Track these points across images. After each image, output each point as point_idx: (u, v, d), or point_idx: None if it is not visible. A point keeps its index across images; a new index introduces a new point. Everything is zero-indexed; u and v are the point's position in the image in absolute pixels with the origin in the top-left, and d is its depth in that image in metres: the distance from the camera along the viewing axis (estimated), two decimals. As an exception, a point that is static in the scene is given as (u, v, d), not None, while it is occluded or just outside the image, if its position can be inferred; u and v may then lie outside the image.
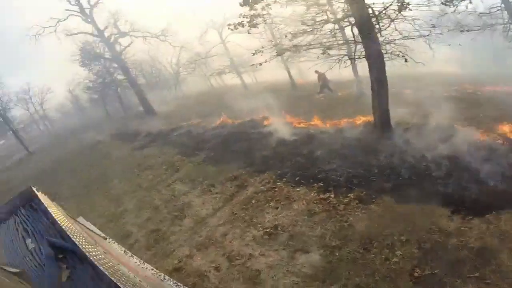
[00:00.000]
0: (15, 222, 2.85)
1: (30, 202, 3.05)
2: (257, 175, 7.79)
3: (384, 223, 4.87)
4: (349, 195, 5.86)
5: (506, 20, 12.05)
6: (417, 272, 3.91)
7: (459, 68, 18.58)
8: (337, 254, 4.50)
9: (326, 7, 8.59)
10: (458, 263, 3.92)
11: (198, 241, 5.81)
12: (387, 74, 7.82)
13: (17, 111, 43.05)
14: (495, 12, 12.17)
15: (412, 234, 4.50)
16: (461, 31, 8.22)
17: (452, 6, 7.53)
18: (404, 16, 7.11)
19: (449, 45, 7.62)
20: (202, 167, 9.35)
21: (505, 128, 7.16)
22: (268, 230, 5.47)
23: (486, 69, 17.33)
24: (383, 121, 8.04)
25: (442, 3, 7.25)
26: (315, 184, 6.59)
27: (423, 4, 7.19)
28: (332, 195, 6.01)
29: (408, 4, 6.87)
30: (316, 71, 15.76)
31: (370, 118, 8.61)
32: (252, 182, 7.51)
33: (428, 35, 7.37)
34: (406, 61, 7.30)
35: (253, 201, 6.61)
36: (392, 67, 7.84)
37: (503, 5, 11.93)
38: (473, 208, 4.84)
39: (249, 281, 4.48)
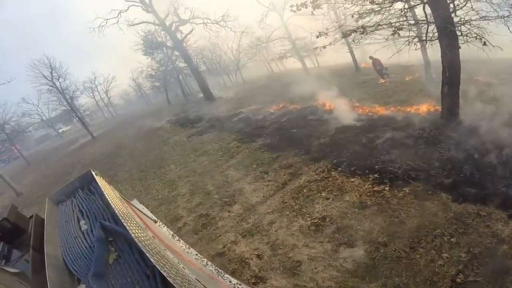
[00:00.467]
0: (72, 204, 3.10)
1: (88, 185, 3.35)
2: (312, 164, 7.79)
3: (436, 222, 4.60)
4: (404, 189, 5.61)
5: None
6: (459, 278, 3.68)
7: None
8: (382, 251, 4.40)
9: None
10: (504, 273, 3.60)
11: (244, 228, 6.06)
12: (460, 58, 7.10)
13: (84, 99, 48.22)
14: None
15: (463, 237, 4.21)
16: None
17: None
18: None
19: None
20: (257, 154, 9.61)
21: None
22: (315, 221, 5.51)
23: None
24: (451, 111, 7.39)
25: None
26: (370, 175, 6.39)
27: None
28: (387, 188, 5.80)
29: None
30: (370, 57, 15.02)
31: (438, 106, 7.94)
32: (306, 171, 7.53)
33: (508, 16, 6.47)
34: (484, 44, 6.52)
35: (305, 190, 6.65)
36: (467, 51, 7.04)
37: None
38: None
39: (288, 272, 4.60)
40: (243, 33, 30.04)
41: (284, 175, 7.67)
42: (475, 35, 6.62)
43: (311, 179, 7.04)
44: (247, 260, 5.12)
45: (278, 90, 19.46)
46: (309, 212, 5.84)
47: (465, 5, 6.70)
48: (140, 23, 25.33)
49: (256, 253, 5.23)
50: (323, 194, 6.31)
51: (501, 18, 6.52)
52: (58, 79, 30.39)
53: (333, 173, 6.99)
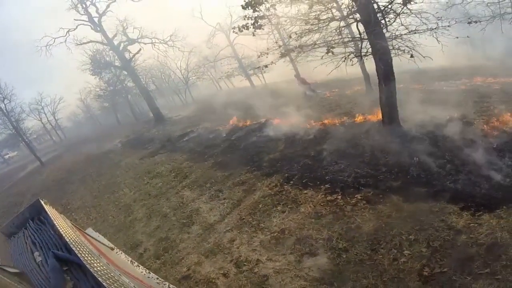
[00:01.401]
0: (24, 235, 2.91)
1: (38, 215, 3.11)
2: (264, 179, 7.77)
3: (392, 223, 4.76)
4: (356, 196, 5.77)
5: None
6: (426, 271, 3.80)
7: (469, 60, 18.14)
8: (344, 256, 4.42)
9: (331, 4, 8.46)
10: (468, 260, 3.80)
11: (206, 248, 5.80)
12: (395, 69, 7.67)
13: (30, 122, 44.22)
14: (503, 1, 11.80)
15: (421, 233, 4.40)
16: (469, 22, 7.98)
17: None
18: (410, 10, 6.93)
19: (457, 37, 7.38)
20: (210, 173, 9.37)
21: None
22: (275, 234, 5.42)
23: (498, 60, 16.79)
24: (391, 118, 7.88)
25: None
26: (322, 186, 6.51)
27: None
28: (339, 197, 5.93)
29: None
30: (295, 75, 15.82)
31: (379, 115, 8.45)
32: (259, 186, 7.47)
33: (435, 28, 7.14)
34: (412, 56, 7.12)
35: (260, 206, 6.57)
36: (401, 63, 7.66)
37: None
38: (483, 204, 4.71)
39: (257, 287, 4.43)
40: (191, 52, 30.06)
41: (238, 192, 7.54)
42: (405, 48, 7.24)
43: (265, 194, 7.01)
44: (214, 280, 4.89)
45: (227, 108, 19.47)
46: (267, 227, 5.74)
47: (394, 21, 7.29)
48: (88, 42, 24.41)
49: (222, 272, 5.01)
50: (278, 207, 6.28)
51: (430, 30, 7.18)
52: (3, 101, 27.49)
53: (286, 186, 7.03)
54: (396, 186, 5.73)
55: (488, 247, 3.91)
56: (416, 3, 7.00)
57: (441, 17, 7.09)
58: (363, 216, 5.13)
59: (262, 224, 5.86)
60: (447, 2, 8.55)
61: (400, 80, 8.41)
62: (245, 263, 5.00)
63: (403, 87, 11.31)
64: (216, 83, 37.97)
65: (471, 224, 4.37)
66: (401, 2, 6.85)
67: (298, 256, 4.75)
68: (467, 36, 8.23)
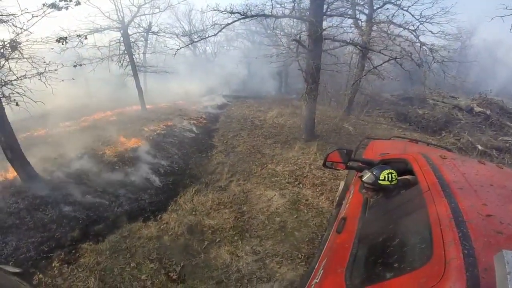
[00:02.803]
0: None
1: None
2: None
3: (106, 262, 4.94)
4: (52, 264, 4.95)
5: (122, 51, 14.14)
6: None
7: (89, 98, 19.56)
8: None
9: None
10: None
11: None
12: (12, 119, 6.91)
13: None
14: (114, 45, 13.94)
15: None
16: (74, 66, 8.90)
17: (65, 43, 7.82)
18: (22, 54, 6.57)
19: (62, 80, 7.96)
20: None
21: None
22: None
23: (113, 96, 19.64)
24: (28, 173, 6.90)
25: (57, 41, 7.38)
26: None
27: (41, 42, 6.96)
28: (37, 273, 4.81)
29: (19, 43, 6.39)
30: None
31: (13, 173, 7.34)
32: None
33: (43, 73, 7.22)
34: (17, 104, 6.78)
35: None
36: (20, 110, 7.03)
37: (121, 39, 13.95)
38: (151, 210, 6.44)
39: None
40: None
41: None
42: (17, 95, 6.79)
43: None
44: None
45: None
46: None
47: (2, 67, 6.58)
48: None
49: None
50: None
51: (39, 75, 7.12)
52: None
53: None
54: (78, 236, 5.62)
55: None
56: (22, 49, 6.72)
57: (49, 62, 7.29)
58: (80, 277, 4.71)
59: None
60: (61, 48, 8.76)
61: (22, 128, 7.77)
62: None
63: (28, 136, 10.27)
64: None
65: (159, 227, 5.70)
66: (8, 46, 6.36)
67: None
68: (73, 78, 8.89)
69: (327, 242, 3.22)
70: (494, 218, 1.78)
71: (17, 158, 6.82)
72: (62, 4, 6.96)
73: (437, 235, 1.69)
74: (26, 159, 6.99)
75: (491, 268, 1.22)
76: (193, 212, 6.28)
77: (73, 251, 5.25)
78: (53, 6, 6.87)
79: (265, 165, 8.80)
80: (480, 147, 11.13)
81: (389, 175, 2.82)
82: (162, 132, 11.51)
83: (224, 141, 11.38)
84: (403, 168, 3.07)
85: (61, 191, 6.70)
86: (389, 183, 2.81)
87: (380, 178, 2.83)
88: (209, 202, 6.65)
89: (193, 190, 7.19)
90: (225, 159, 9.40)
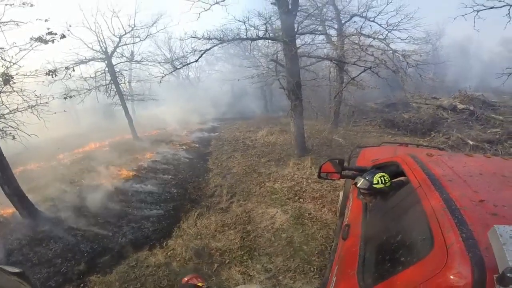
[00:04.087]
0: None
1: None
2: None
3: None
4: None
5: (108, 81, 14.41)
6: None
7: (80, 129, 19.66)
8: None
9: None
10: None
11: None
12: (7, 154, 6.99)
13: None
14: (99, 75, 14.17)
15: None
16: (65, 98, 9.10)
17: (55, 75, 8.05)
18: (13, 88, 6.76)
19: (65, 111, 8.16)
20: None
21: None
22: None
23: (103, 126, 19.75)
24: (28, 208, 6.90)
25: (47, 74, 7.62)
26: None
27: (31, 76, 7.18)
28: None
29: (12, 77, 6.60)
30: None
31: (11, 209, 7.36)
32: None
33: (35, 106, 7.39)
34: (13, 138, 6.92)
35: None
36: (15, 144, 7.15)
37: (107, 69, 14.27)
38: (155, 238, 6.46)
39: None
40: None
41: None
42: (10, 128, 6.93)
43: None
44: None
45: None
46: None
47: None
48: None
49: None
50: None
51: (31, 108, 7.27)
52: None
53: None
54: (83, 269, 5.63)
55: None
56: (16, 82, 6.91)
57: (40, 94, 7.47)
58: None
59: None
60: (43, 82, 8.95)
61: (17, 163, 7.81)
62: None
63: (23, 170, 10.30)
64: None
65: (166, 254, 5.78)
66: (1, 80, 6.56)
67: None
68: (64, 110, 9.05)
69: (336, 251, 3.33)
70: (487, 202, 1.90)
71: (15, 193, 6.80)
72: (48, 37, 7.24)
73: (434, 225, 1.82)
74: (24, 194, 6.97)
75: (492, 247, 1.32)
76: (198, 236, 6.32)
77: (82, 285, 5.24)
78: (40, 39, 7.14)
79: (263, 184, 8.94)
80: (471, 142, 11.44)
81: (382, 178, 2.94)
82: (157, 159, 11.60)
83: (219, 164, 11.52)
84: (395, 171, 3.18)
85: (63, 225, 6.70)
86: (383, 185, 2.92)
87: (374, 182, 2.96)
88: (213, 224, 6.71)
89: (195, 214, 7.24)
90: (222, 181, 9.51)
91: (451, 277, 1.39)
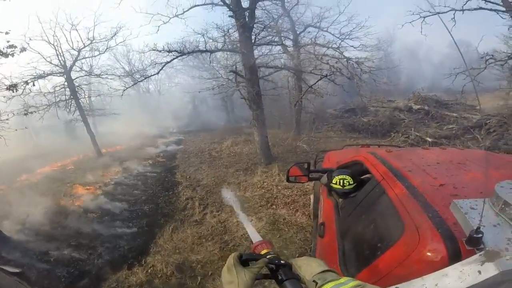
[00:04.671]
0: None
1: None
2: None
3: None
4: None
5: (68, 96, 13.75)
6: None
7: (40, 148, 18.39)
8: None
9: None
10: None
11: None
12: None
13: None
14: (59, 90, 13.47)
15: None
16: (25, 113, 8.69)
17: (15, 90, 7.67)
18: None
19: (26, 128, 7.78)
20: None
21: None
22: None
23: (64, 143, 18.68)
24: None
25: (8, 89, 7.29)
26: None
27: None
28: None
29: None
30: None
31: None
32: None
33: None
34: None
35: None
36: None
37: (66, 83, 13.63)
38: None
39: None
40: None
41: None
42: None
43: None
44: None
45: None
46: None
47: None
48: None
49: None
50: None
51: None
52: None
53: None
54: None
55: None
56: None
57: None
58: None
59: None
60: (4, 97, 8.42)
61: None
62: None
63: None
64: None
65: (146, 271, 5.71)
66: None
67: None
68: (25, 127, 8.71)
69: (316, 250, 3.52)
70: (447, 186, 2.03)
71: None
72: (8, 51, 6.93)
73: (402, 210, 1.94)
74: None
75: (457, 220, 1.45)
76: (177, 250, 6.29)
77: None
78: (0, 53, 6.83)
79: (234, 193, 9.03)
80: (429, 139, 12.32)
81: (342, 180, 3.02)
82: (124, 175, 11.36)
83: (187, 177, 11.44)
84: (360, 170, 3.32)
85: (34, 250, 6.39)
86: (341, 187, 3.02)
87: (333, 182, 3.09)
88: (190, 237, 6.71)
89: (170, 229, 7.19)
90: (193, 194, 9.49)
91: (427, 253, 1.51)
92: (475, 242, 1.25)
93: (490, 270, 1.12)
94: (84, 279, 5.76)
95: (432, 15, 9.99)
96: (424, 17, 10.18)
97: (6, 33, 6.63)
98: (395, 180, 2.37)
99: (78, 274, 5.89)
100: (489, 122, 12.34)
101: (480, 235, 1.23)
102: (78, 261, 6.21)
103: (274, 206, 7.82)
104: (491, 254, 1.18)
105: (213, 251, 6.16)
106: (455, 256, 1.40)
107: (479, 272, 1.14)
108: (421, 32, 10.53)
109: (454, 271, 1.20)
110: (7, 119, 7.02)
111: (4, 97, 7.43)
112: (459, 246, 1.42)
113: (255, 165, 11.45)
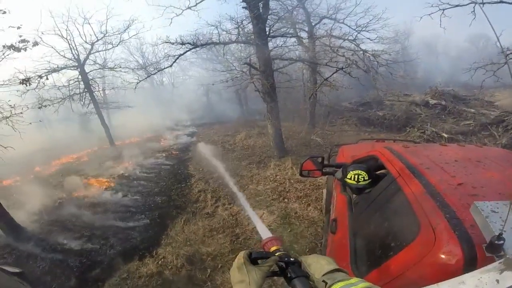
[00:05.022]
0: None
1: None
2: None
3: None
4: None
5: (82, 89, 14.05)
6: None
7: (55, 141, 18.96)
8: None
9: None
10: None
11: None
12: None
13: None
14: (73, 84, 13.79)
15: None
16: (39, 107, 8.86)
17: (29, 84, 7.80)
18: None
19: (40, 121, 7.95)
20: None
21: None
22: None
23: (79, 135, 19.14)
24: (10, 226, 6.75)
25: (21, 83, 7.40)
26: None
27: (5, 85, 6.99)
28: None
29: None
30: None
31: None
32: None
33: (9, 116, 7.19)
34: None
35: None
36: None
37: (80, 77, 13.93)
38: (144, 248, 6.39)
39: None
40: None
41: None
42: None
43: None
44: None
45: None
46: None
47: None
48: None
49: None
50: None
51: (6, 119, 7.04)
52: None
53: None
54: (78, 283, 5.54)
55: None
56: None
57: (14, 105, 7.26)
58: None
59: None
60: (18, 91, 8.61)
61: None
62: None
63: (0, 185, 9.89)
64: None
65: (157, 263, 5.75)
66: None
67: None
68: (40, 120, 8.85)
69: (327, 246, 3.47)
70: (466, 185, 1.96)
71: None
72: (21, 45, 7.04)
73: (418, 209, 1.88)
74: (5, 210, 6.73)
75: (476, 224, 1.37)
76: (188, 243, 6.34)
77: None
78: (13, 47, 6.94)
79: (247, 186, 9.06)
80: (445, 135, 12.01)
81: (357, 176, 2.95)
82: (138, 168, 11.49)
83: (200, 169, 11.49)
84: (375, 165, 3.24)
85: (48, 240, 6.54)
86: (355, 183, 2.96)
87: (347, 177, 3.02)
88: (201, 230, 6.75)
89: (182, 221, 7.25)
90: (205, 186, 9.52)
91: (442, 256, 1.46)
92: (496, 249, 1.17)
93: (508, 280, 1.05)
94: (96, 269, 5.88)
95: (452, 7, 9.60)
96: (443, 10, 9.77)
97: (18, 27, 6.75)
98: (412, 177, 2.30)
99: (90, 264, 6.01)
100: (507, 119, 11.94)
101: (501, 242, 1.14)
102: (91, 252, 6.35)
103: (286, 200, 7.76)
104: (511, 262, 1.09)
105: (224, 244, 6.17)
106: (471, 261, 1.34)
107: (497, 281, 1.06)
108: (440, 25, 10.11)
109: (472, 279, 1.12)
110: (21, 113, 7.14)
111: (18, 91, 7.55)
112: (476, 250, 1.36)
113: (268, 158, 11.40)
